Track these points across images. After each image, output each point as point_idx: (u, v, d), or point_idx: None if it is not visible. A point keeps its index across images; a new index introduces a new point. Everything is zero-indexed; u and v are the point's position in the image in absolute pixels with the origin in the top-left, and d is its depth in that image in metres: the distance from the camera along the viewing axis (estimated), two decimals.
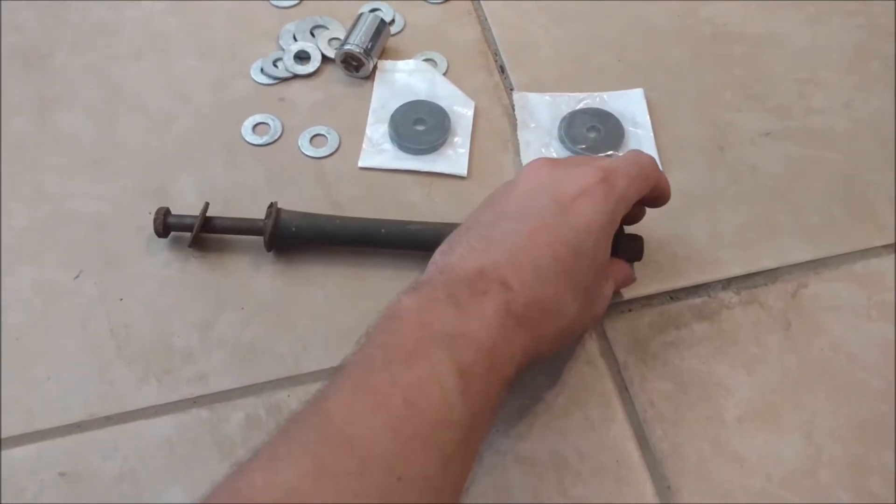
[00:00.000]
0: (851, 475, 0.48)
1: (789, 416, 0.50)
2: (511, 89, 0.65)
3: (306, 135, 0.61)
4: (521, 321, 0.40)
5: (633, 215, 0.51)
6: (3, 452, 0.48)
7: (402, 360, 0.37)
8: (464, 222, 0.46)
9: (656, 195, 0.49)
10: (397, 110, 0.62)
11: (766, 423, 0.49)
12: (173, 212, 0.55)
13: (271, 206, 0.54)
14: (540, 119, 0.62)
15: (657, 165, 0.49)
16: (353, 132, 0.62)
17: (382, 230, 0.53)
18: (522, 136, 0.61)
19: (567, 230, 0.43)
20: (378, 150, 0.61)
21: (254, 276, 0.55)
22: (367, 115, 0.63)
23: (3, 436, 0.48)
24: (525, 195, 0.44)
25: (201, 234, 0.54)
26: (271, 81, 0.65)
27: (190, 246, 0.54)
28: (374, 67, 0.65)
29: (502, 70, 0.66)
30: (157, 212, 0.54)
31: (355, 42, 0.64)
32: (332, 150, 0.61)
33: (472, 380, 0.37)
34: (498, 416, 0.49)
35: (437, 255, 0.44)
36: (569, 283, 0.42)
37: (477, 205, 0.57)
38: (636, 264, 0.54)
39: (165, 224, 0.54)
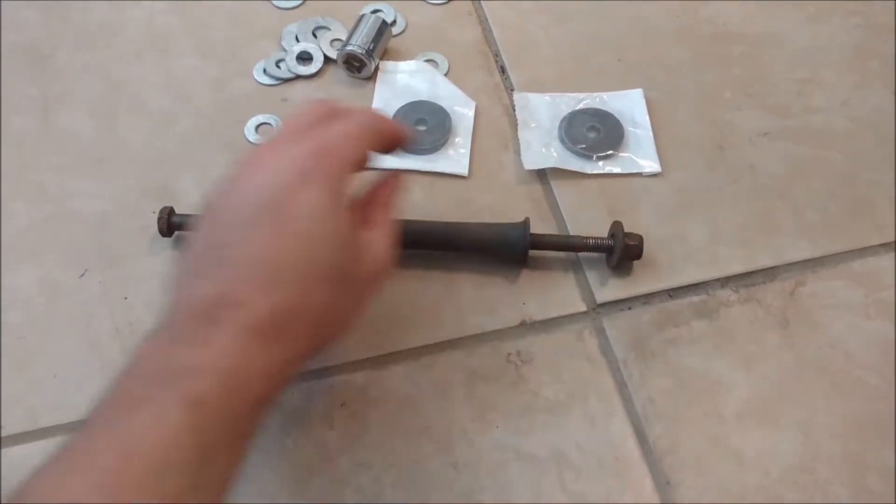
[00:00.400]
0: (849, 472, 0.48)
1: (787, 413, 0.50)
2: (511, 89, 0.65)
3: None
4: (267, 334, 0.38)
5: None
6: (5, 451, 0.48)
7: (125, 409, 0.35)
8: (186, 253, 0.42)
9: (389, 140, 0.47)
10: (399, 110, 0.63)
11: (764, 420, 0.50)
12: (177, 211, 0.55)
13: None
14: (540, 119, 0.62)
15: (377, 115, 0.47)
16: None
17: None
18: (523, 135, 0.61)
19: (290, 223, 0.39)
20: None
21: None
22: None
23: (5, 434, 0.49)
24: (244, 205, 0.40)
25: None
26: (274, 82, 0.65)
27: None
28: (376, 68, 0.65)
29: (503, 70, 0.66)
30: (161, 211, 0.55)
31: (357, 43, 0.64)
32: None
33: (208, 411, 0.35)
34: (498, 412, 0.49)
35: (168, 295, 0.41)
36: (310, 274, 0.39)
37: (476, 203, 0.58)
38: (636, 264, 0.55)
39: (169, 223, 0.54)
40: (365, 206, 0.45)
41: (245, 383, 0.37)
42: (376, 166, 0.60)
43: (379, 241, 0.44)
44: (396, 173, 0.48)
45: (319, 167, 0.41)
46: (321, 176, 0.40)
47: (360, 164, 0.43)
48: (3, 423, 0.49)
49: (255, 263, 0.39)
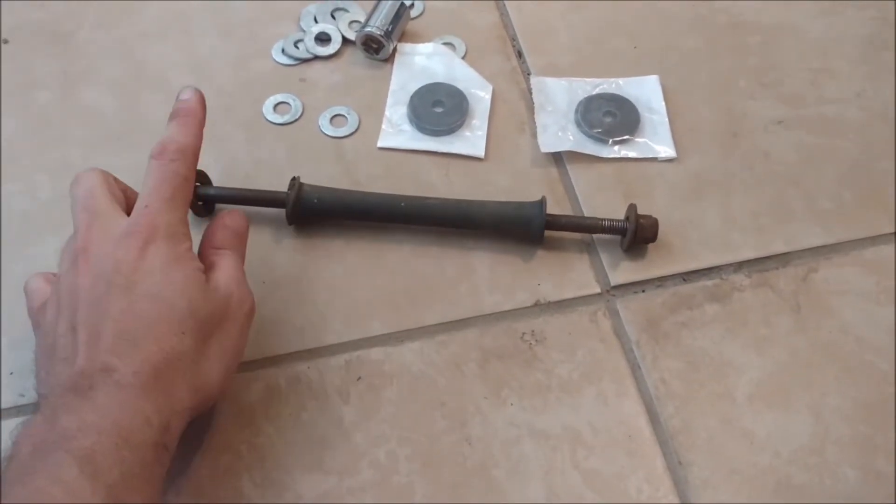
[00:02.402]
0: (858, 454, 0.49)
1: (798, 396, 0.51)
2: (528, 73, 0.65)
3: (326, 115, 0.62)
4: (140, 387, 0.39)
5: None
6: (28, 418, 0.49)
7: (16, 483, 0.36)
8: (42, 345, 0.44)
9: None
10: (416, 92, 0.63)
11: (775, 402, 0.50)
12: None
13: (294, 179, 0.55)
14: (557, 103, 0.63)
15: (177, 159, 0.46)
16: (373, 113, 0.63)
17: (402, 204, 0.55)
18: (539, 119, 0.62)
19: (132, 289, 0.41)
20: (397, 130, 0.62)
21: (275, 251, 0.56)
22: (386, 96, 0.64)
23: (28, 401, 0.50)
24: (91, 286, 0.42)
25: (222, 207, 0.56)
26: (292, 62, 0.66)
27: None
28: (394, 50, 0.66)
29: (520, 55, 0.67)
30: None
31: (375, 25, 0.64)
32: (352, 130, 0.62)
33: (100, 459, 0.36)
34: (512, 390, 0.50)
35: (37, 386, 0.43)
36: (166, 328, 0.41)
37: (492, 185, 0.59)
38: (650, 246, 0.56)
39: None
40: (204, 252, 0.47)
41: (132, 434, 0.38)
42: (397, 146, 0.61)
43: (224, 280, 0.45)
44: (229, 213, 0.50)
45: (151, 236, 0.43)
46: (155, 243, 0.43)
47: (183, 214, 0.45)
48: (26, 392, 0.50)
49: (113, 333, 0.40)
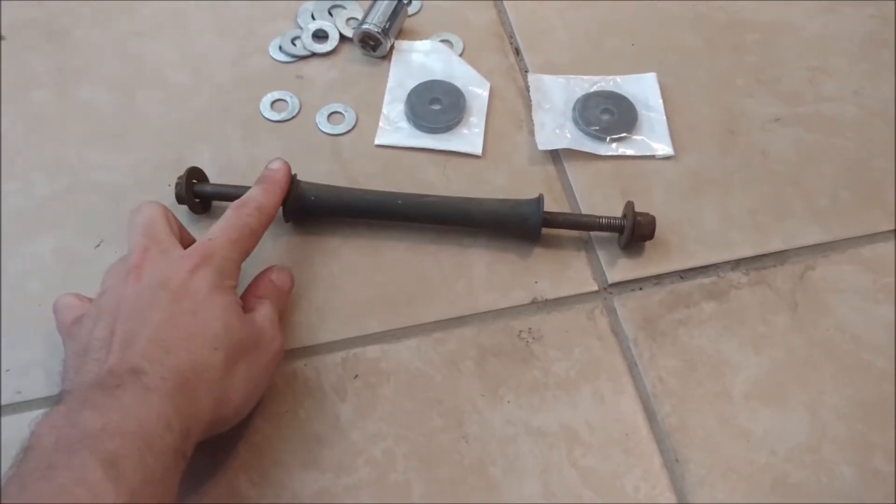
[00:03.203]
0: (855, 452, 0.49)
1: (795, 394, 0.51)
2: (526, 71, 0.65)
3: (324, 112, 0.62)
4: (164, 391, 0.40)
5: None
6: (27, 415, 0.49)
7: (39, 478, 0.36)
8: (73, 347, 0.45)
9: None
10: (413, 90, 0.63)
11: (772, 400, 0.50)
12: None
13: (291, 176, 0.55)
14: (554, 100, 0.63)
15: (253, 214, 0.50)
16: (370, 110, 0.63)
17: (399, 201, 0.54)
18: (537, 116, 0.62)
19: (177, 304, 0.43)
20: (394, 128, 0.62)
21: (272, 248, 0.56)
22: (383, 93, 0.64)
23: (26, 398, 0.50)
24: (137, 297, 0.44)
25: (220, 204, 0.55)
26: (289, 59, 0.66)
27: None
28: (391, 47, 0.66)
29: (517, 52, 0.67)
30: (179, 177, 0.55)
31: (373, 22, 0.64)
32: (349, 127, 0.62)
33: (124, 463, 0.37)
34: (509, 388, 0.50)
35: (63, 384, 0.44)
36: (200, 342, 0.43)
37: (490, 183, 0.59)
38: (648, 244, 0.56)
39: (188, 187, 0.55)
40: (245, 298, 0.49)
41: (155, 439, 0.39)
42: (394, 144, 0.61)
43: (262, 319, 0.47)
44: (278, 269, 0.52)
45: (206, 263, 0.46)
46: (208, 269, 0.45)
47: (239, 261, 0.48)
48: (24, 389, 0.50)
49: (148, 339, 0.42)
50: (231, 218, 0.49)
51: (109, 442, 0.37)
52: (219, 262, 0.46)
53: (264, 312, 0.48)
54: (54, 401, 0.41)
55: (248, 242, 0.49)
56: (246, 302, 0.48)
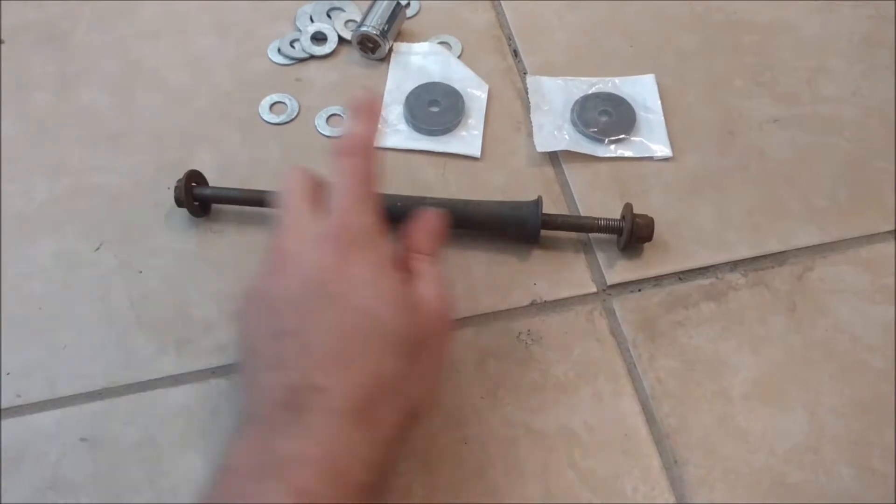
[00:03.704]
0: (853, 452, 0.49)
1: (793, 394, 0.51)
2: (524, 73, 0.66)
3: (323, 114, 0.62)
4: (352, 414, 0.38)
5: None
6: (27, 419, 0.49)
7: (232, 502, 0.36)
8: (244, 346, 0.43)
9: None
10: (412, 92, 0.63)
11: (770, 401, 0.50)
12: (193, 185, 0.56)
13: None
14: (552, 102, 0.63)
15: (359, 158, 0.44)
16: None
17: (398, 203, 0.54)
18: (535, 118, 0.62)
19: (344, 300, 0.40)
20: (393, 130, 0.62)
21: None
22: (382, 96, 0.64)
23: (25, 402, 0.50)
24: (291, 292, 0.41)
25: (219, 207, 0.56)
26: (288, 62, 0.66)
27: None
28: (390, 50, 0.66)
29: (516, 54, 0.67)
30: (178, 181, 0.55)
31: (372, 24, 0.64)
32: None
33: (314, 498, 0.35)
34: (508, 390, 0.50)
35: (243, 394, 0.42)
36: (376, 346, 0.39)
37: (488, 185, 0.59)
38: (646, 245, 0.56)
39: (187, 190, 0.55)
40: (405, 257, 0.44)
41: (345, 470, 0.37)
42: (393, 146, 0.61)
43: (431, 294, 0.43)
44: (432, 214, 0.47)
45: (351, 240, 0.41)
46: (356, 247, 0.41)
47: (376, 221, 0.43)
48: (24, 392, 0.50)
49: (323, 347, 0.39)
50: (343, 171, 0.43)
51: (300, 473, 0.36)
52: (362, 233, 0.41)
53: (432, 283, 0.43)
54: (239, 416, 0.40)
55: (373, 190, 0.43)
56: (405, 261, 0.43)
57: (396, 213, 0.55)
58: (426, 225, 0.46)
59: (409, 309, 0.41)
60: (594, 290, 0.55)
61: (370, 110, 0.46)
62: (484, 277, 0.55)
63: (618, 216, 0.55)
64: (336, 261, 0.40)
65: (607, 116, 0.62)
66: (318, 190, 0.44)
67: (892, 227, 0.58)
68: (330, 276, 0.40)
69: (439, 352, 0.43)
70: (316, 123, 0.62)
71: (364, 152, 0.44)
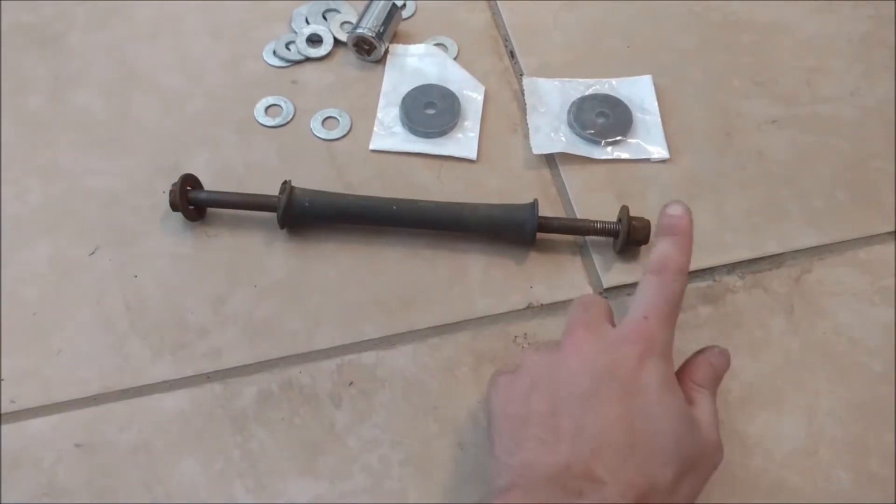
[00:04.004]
0: (851, 455, 0.48)
1: (791, 398, 0.50)
2: (521, 74, 0.65)
3: (318, 117, 0.62)
4: None
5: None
6: (22, 424, 0.49)
7: None
8: (507, 411, 0.42)
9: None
10: (408, 94, 0.63)
11: (768, 404, 0.50)
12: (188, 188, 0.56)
13: (285, 183, 0.55)
14: (549, 104, 0.63)
15: (678, 279, 0.45)
16: (365, 115, 0.63)
17: (394, 207, 0.54)
18: (532, 120, 0.62)
19: (634, 397, 0.40)
20: (389, 132, 0.61)
21: (266, 254, 0.55)
22: (378, 98, 0.64)
23: (20, 407, 0.50)
24: (579, 377, 0.41)
25: (214, 211, 0.56)
26: (283, 64, 0.66)
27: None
28: (386, 51, 0.66)
29: (512, 55, 0.67)
30: (174, 185, 0.55)
31: (367, 26, 0.64)
32: (344, 132, 0.61)
33: None
34: None
35: (502, 453, 0.41)
36: (657, 453, 0.39)
37: (485, 187, 0.58)
38: (643, 248, 0.56)
39: (182, 194, 0.55)
40: (682, 383, 0.44)
41: None
42: (389, 149, 0.61)
43: (707, 419, 0.43)
44: (719, 352, 0.47)
45: (651, 348, 0.41)
46: (655, 357, 0.41)
47: (672, 339, 0.44)
48: (18, 398, 0.50)
49: (603, 438, 0.39)
50: (656, 288, 0.44)
51: None
52: (661, 347, 0.42)
53: (707, 410, 0.43)
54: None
55: (677, 314, 0.44)
56: (684, 388, 0.43)
57: (392, 217, 0.55)
58: (708, 360, 0.46)
59: (688, 428, 0.41)
60: (590, 292, 0.55)
61: (688, 235, 0.46)
62: (480, 280, 0.55)
63: (614, 219, 0.55)
64: (634, 362, 0.41)
65: (604, 118, 0.61)
66: (610, 315, 0.45)
67: (892, 229, 0.57)
68: (623, 373, 0.41)
69: (704, 477, 0.42)
70: (311, 126, 0.62)
71: (681, 277, 0.45)
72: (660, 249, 0.46)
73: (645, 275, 0.45)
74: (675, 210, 0.47)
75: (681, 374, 0.45)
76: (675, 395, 0.41)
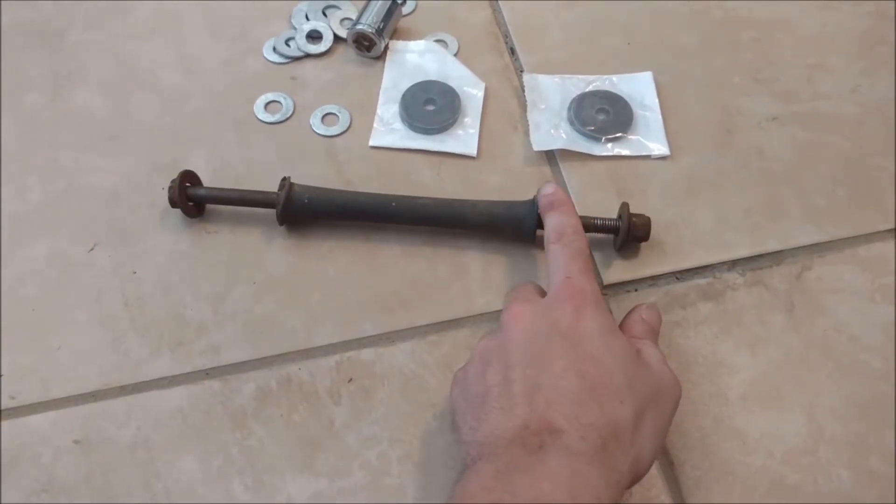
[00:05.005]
0: (852, 453, 0.48)
1: (791, 395, 0.50)
2: (521, 71, 0.65)
3: (318, 113, 0.62)
4: (588, 455, 0.38)
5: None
6: (21, 420, 0.49)
7: None
8: (466, 395, 0.44)
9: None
10: (408, 90, 0.63)
11: (768, 402, 0.50)
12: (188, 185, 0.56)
13: (284, 179, 0.55)
14: (549, 100, 0.62)
15: (577, 238, 0.48)
16: (365, 111, 0.62)
17: (393, 204, 0.54)
18: (532, 117, 0.62)
19: (577, 348, 0.42)
20: (389, 129, 0.61)
21: (265, 251, 0.55)
22: (378, 94, 0.63)
23: (19, 404, 0.50)
24: (525, 343, 0.43)
25: (213, 207, 0.55)
26: (283, 60, 0.65)
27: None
28: (386, 48, 0.66)
29: (512, 52, 0.67)
30: (172, 181, 0.55)
31: (367, 22, 0.64)
32: (344, 128, 0.61)
33: None
34: None
35: (466, 433, 0.42)
36: (610, 392, 0.40)
37: (484, 184, 0.58)
38: (643, 246, 0.55)
39: (181, 190, 0.55)
40: (625, 333, 0.47)
41: None
42: (389, 145, 0.60)
43: (655, 360, 0.45)
44: (647, 307, 0.49)
45: (583, 301, 0.44)
46: (589, 308, 0.43)
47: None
48: (17, 394, 0.50)
49: (556, 390, 0.40)
50: (564, 250, 0.47)
51: None
52: (593, 298, 0.44)
53: (652, 353, 0.45)
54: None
55: (590, 268, 0.47)
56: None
57: (391, 214, 0.55)
58: (640, 316, 0.48)
59: (636, 366, 0.43)
60: None
61: (568, 202, 0.51)
62: (479, 277, 0.55)
63: (614, 215, 0.55)
64: (571, 316, 0.43)
65: (604, 115, 0.61)
66: (541, 290, 0.48)
67: (892, 226, 0.57)
68: (564, 326, 0.43)
69: (667, 412, 0.44)
70: (311, 122, 0.62)
71: (579, 235, 0.48)
72: (552, 220, 0.50)
73: (548, 246, 0.48)
74: (549, 189, 0.52)
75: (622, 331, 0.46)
76: (619, 338, 0.43)
